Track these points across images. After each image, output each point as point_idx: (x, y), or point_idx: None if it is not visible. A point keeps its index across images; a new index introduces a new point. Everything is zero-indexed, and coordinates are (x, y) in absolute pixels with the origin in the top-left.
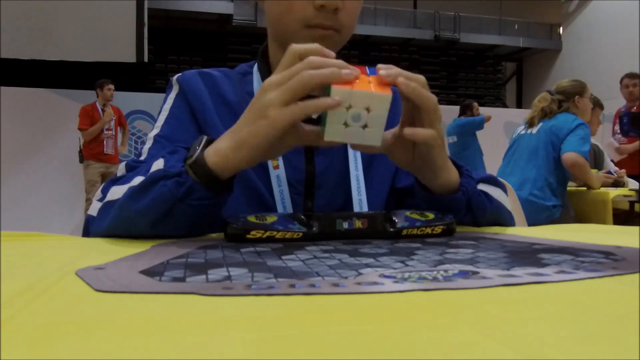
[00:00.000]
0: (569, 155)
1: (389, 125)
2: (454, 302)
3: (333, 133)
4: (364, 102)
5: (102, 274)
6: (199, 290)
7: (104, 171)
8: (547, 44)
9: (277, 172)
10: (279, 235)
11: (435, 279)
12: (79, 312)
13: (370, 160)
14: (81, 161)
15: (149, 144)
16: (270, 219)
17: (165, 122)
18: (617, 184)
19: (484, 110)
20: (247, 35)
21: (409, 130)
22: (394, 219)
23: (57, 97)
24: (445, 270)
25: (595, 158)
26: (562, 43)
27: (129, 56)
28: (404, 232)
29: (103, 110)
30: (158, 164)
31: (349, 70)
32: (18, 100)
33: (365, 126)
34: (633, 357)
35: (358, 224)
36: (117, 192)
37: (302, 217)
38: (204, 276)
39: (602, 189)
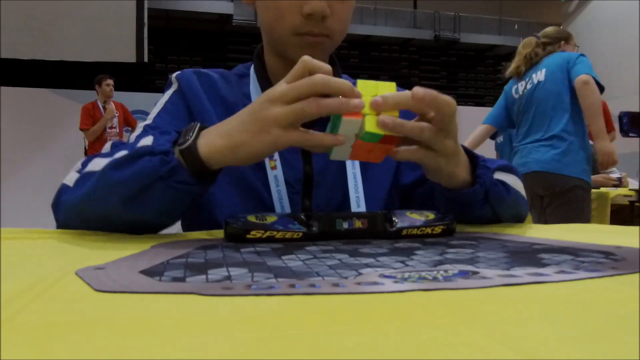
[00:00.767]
0: (582, 77)
1: None
2: (454, 302)
3: (340, 154)
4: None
5: (102, 274)
6: (199, 290)
7: None
8: None
9: (275, 172)
10: (279, 235)
11: (435, 279)
12: (79, 312)
13: None
14: None
15: (137, 131)
16: (270, 218)
17: (158, 115)
18: (618, 185)
19: (484, 110)
20: (247, 35)
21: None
22: (393, 219)
23: (57, 97)
24: (445, 270)
25: (595, 160)
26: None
27: (129, 56)
28: (404, 232)
29: (105, 108)
30: (146, 141)
31: (358, 100)
32: (18, 100)
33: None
34: (633, 357)
35: (358, 224)
36: (99, 163)
37: (302, 217)
38: (204, 276)
39: (602, 189)
